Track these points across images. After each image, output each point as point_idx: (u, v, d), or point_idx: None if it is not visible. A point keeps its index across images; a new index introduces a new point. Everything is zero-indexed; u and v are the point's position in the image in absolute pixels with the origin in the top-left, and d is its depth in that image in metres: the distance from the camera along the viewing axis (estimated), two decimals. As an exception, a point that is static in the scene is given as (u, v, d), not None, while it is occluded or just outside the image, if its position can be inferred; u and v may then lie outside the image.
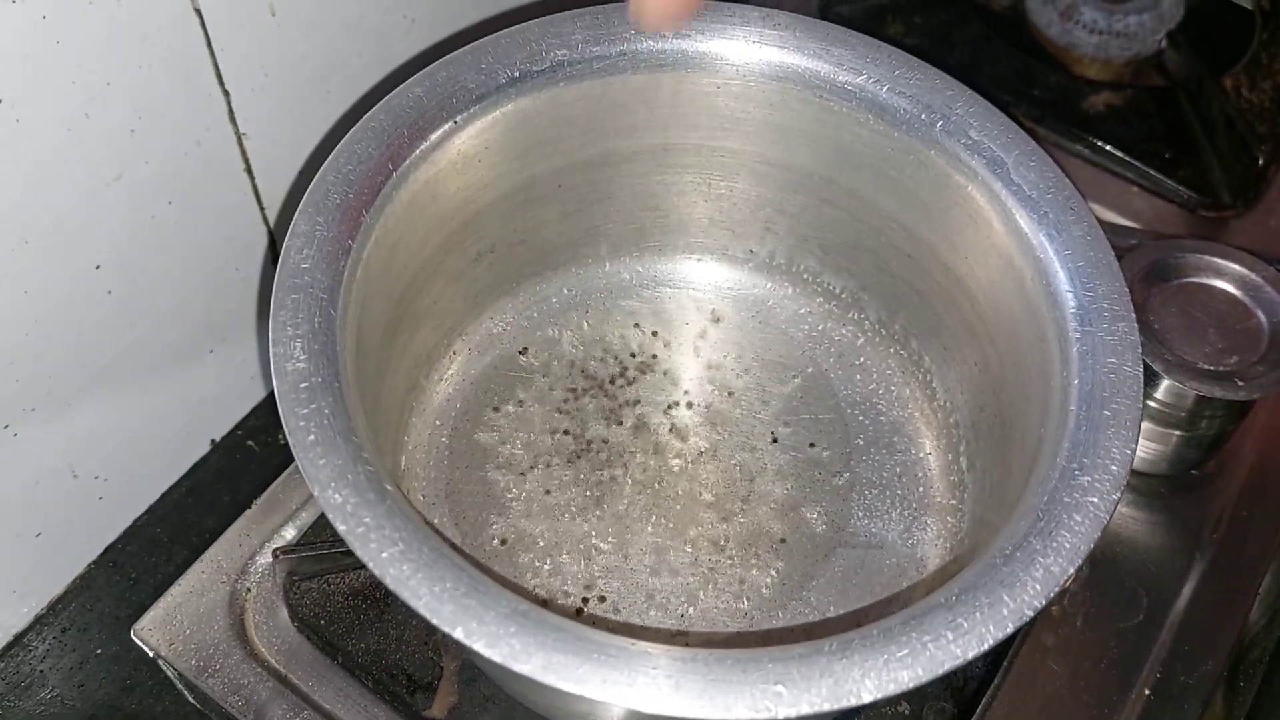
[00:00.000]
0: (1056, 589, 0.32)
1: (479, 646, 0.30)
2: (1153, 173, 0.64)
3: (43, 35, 0.43)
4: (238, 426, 0.66)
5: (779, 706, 0.30)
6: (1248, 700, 0.55)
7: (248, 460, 0.64)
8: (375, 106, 0.41)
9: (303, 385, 0.35)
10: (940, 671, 0.31)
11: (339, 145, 0.40)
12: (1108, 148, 0.65)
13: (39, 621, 0.59)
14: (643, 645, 0.31)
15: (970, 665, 0.47)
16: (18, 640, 0.58)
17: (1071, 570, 0.33)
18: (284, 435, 0.67)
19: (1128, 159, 0.64)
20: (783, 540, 0.47)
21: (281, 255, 0.37)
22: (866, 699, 0.30)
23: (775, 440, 0.50)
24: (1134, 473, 0.53)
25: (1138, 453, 0.52)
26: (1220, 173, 0.63)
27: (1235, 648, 0.50)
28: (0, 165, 0.44)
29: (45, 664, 0.58)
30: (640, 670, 0.30)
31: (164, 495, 0.63)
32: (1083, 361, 0.37)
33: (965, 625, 0.32)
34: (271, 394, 0.66)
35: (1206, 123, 0.65)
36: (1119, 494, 0.34)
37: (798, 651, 0.31)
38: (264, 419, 0.66)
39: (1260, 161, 0.64)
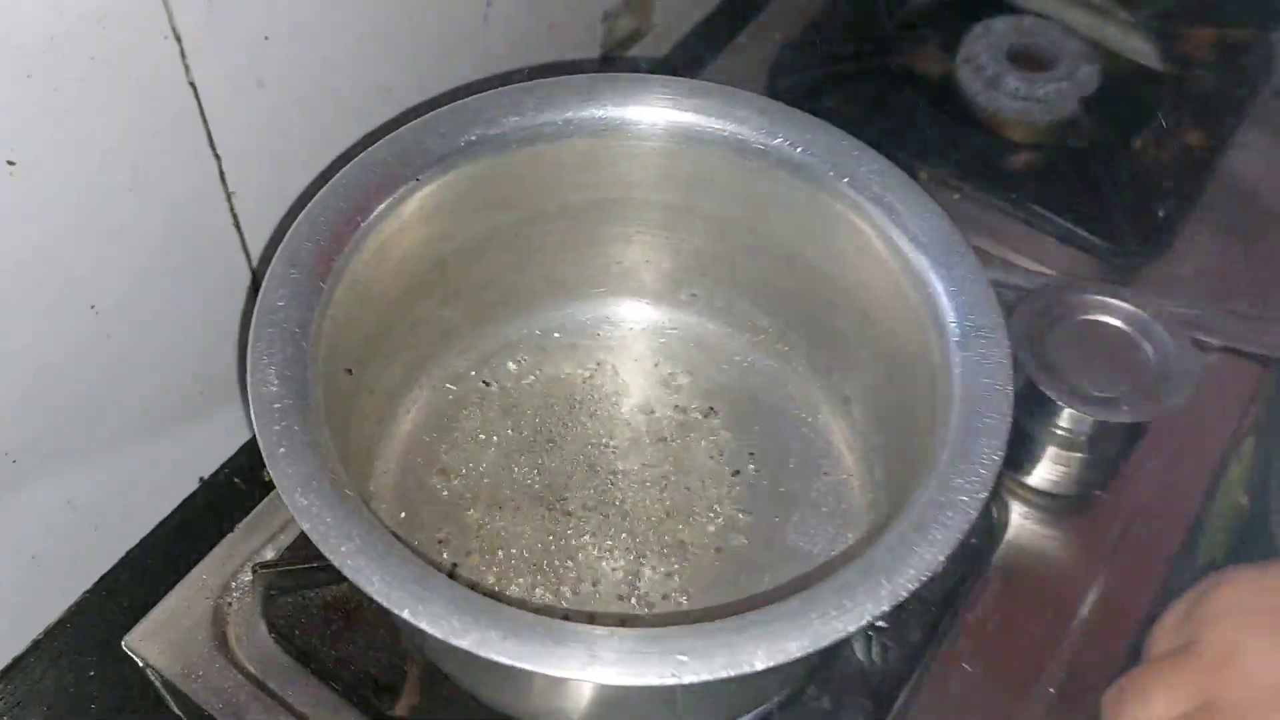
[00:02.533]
0: (929, 573, 0.37)
1: (424, 625, 0.35)
2: (1067, 225, 0.69)
3: (55, 106, 0.48)
4: (224, 465, 0.69)
5: (684, 673, 0.35)
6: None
7: (233, 497, 0.67)
8: (346, 166, 0.47)
9: (275, 405, 0.40)
10: (824, 643, 0.35)
11: (313, 200, 0.46)
12: (1027, 203, 0.70)
13: (36, 645, 0.63)
14: (566, 624, 0.36)
15: (888, 666, 0.52)
16: (16, 663, 0.62)
17: (942, 558, 0.37)
18: (267, 471, 0.72)
19: (1045, 213, 0.70)
20: (719, 550, 0.52)
21: (260, 295, 0.43)
22: (759, 666, 0.35)
23: (716, 464, 0.55)
24: (1042, 493, 0.59)
25: (1047, 476, 0.58)
26: (1128, 224, 0.69)
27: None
28: (18, 219, 0.49)
29: (43, 684, 0.61)
30: (562, 643, 0.35)
31: (155, 528, 0.67)
32: (963, 381, 0.42)
33: (848, 605, 0.36)
34: (251, 439, 0.71)
35: (1115, 179, 0.70)
36: (986, 492, 0.39)
37: (703, 629, 0.36)
38: (248, 458, 0.70)
39: (1162, 214, 0.69)
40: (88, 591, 0.64)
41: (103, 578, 0.65)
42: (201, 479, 0.69)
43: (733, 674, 0.35)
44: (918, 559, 0.37)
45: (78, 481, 0.60)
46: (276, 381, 0.40)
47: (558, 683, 0.42)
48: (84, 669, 0.62)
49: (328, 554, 0.36)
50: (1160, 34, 0.79)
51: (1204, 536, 0.62)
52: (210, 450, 0.69)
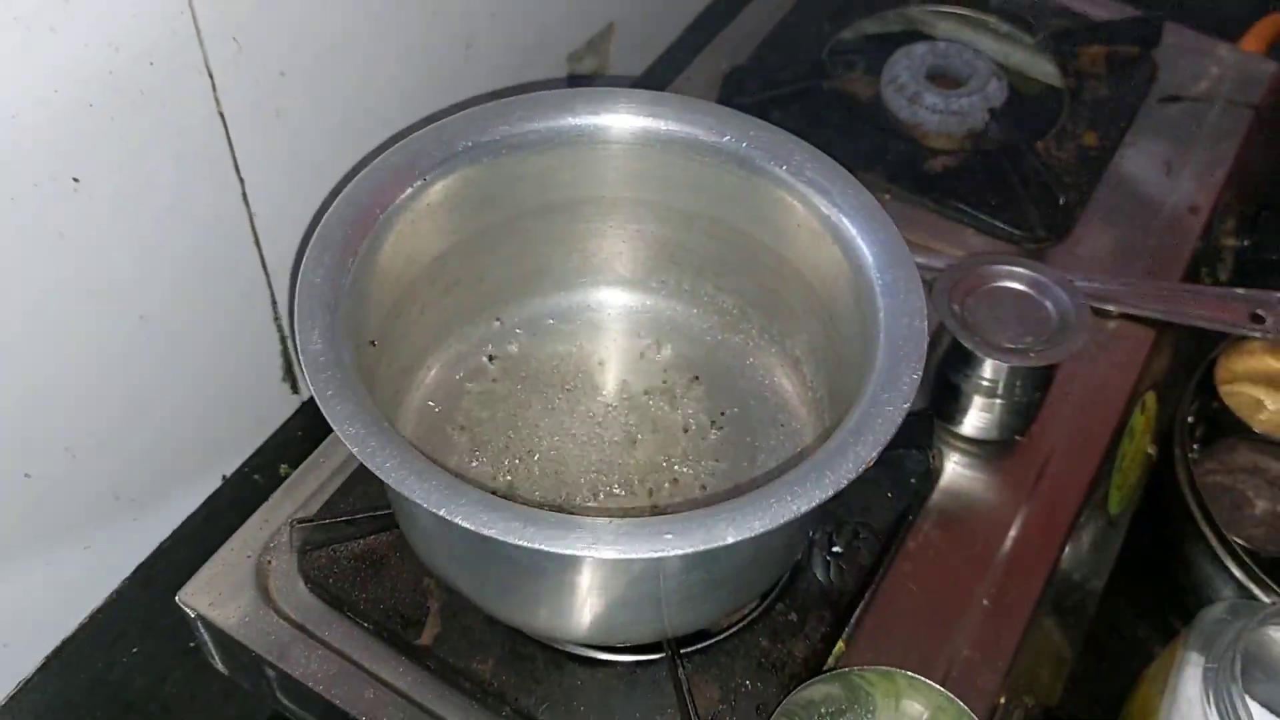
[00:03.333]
0: (864, 466, 0.45)
1: (458, 519, 0.43)
2: (982, 216, 0.79)
3: (111, 132, 0.56)
4: (244, 464, 0.76)
5: (669, 547, 0.43)
6: (1083, 629, 0.68)
7: (253, 492, 0.73)
8: (366, 168, 0.55)
9: (320, 359, 0.48)
10: (781, 521, 0.44)
11: (339, 196, 0.54)
12: (947, 199, 0.80)
13: (82, 627, 0.69)
14: (574, 516, 0.44)
15: (845, 586, 0.60)
16: (65, 644, 0.68)
17: (875, 454, 0.46)
18: (283, 468, 0.78)
19: (962, 206, 0.79)
20: (704, 488, 0.60)
21: (300, 272, 0.51)
22: (730, 540, 0.43)
23: (690, 424, 0.63)
24: (971, 440, 0.67)
25: (975, 424, 0.66)
26: (1035, 213, 0.79)
27: (1049, 573, 0.63)
28: (79, 230, 0.57)
29: (90, 662, 0.68)
30: (571, 530, 0.43)
31: (185, 521, 0.74)
32: (887, 322, 0.51)
33: (799, 491, 0.45)
34: (269, 438, 0.78)
35: (1022, 176, 0.80)
36: (907, 404, 0.47)
37: (683, 516, 0.44)
38: (265, 458, 0.77)
39: (1063, 203, 0.80)
40: (127, 578, 0.71)
41: (140, 566, 0.71)
42: (224, 477, 0.76)
43: (708, 547, 0.43)
44: (854, 456, 0.46)
45: (123, 475, 0.67)
46: (319, 341, 0.48)
47: (564, 584, 0.50)
48: (126, 646, 0.69)
49: (375, 469, 0.44)
50: (1058, 53, 0.90)
51: (1116, 479, 0.71)
52: (231, 451, 0.76)
